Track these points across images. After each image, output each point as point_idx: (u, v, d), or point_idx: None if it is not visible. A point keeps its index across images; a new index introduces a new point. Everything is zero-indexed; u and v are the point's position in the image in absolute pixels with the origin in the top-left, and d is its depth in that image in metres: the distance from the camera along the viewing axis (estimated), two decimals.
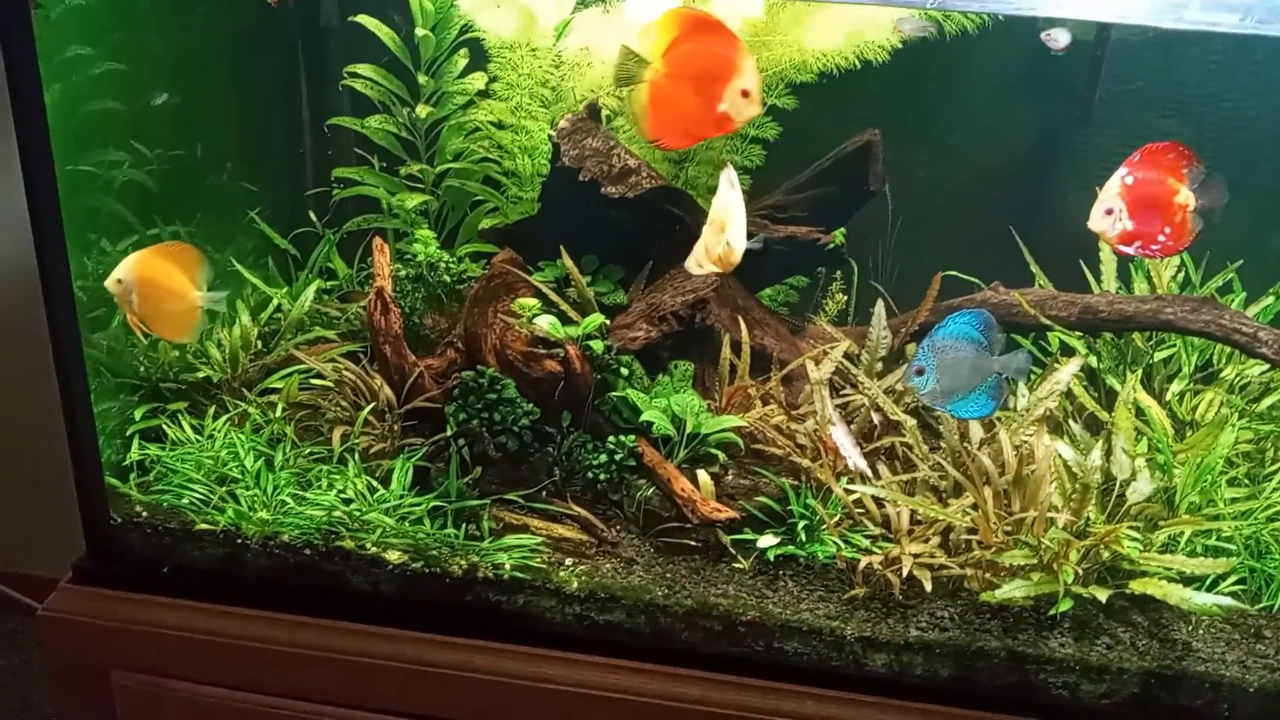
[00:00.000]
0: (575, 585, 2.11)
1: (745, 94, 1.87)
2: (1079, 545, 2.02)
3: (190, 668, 2.19)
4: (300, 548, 2.18)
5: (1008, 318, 2.44)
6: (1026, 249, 2.58)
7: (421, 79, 2.73)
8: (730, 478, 2.30)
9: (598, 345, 2.29)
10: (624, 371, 2.33)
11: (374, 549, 2.16)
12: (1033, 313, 2.43)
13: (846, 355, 2.40)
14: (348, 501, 2.19)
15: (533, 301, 2.40)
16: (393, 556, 2.16)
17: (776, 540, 2.14)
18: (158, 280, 2.16)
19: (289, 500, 2.20)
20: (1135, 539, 2.08)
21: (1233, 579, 2.09)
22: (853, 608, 2.07)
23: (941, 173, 2.76)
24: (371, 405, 2.32)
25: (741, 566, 2.15)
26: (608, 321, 2.39)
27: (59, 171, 2.04)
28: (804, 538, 2.15)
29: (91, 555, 2.26)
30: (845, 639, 2.03)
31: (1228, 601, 1.98)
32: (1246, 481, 2.28)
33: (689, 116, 1.91)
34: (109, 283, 2.13)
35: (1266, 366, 2.39)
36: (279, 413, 2.38)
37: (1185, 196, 2.00)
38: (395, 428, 2.31)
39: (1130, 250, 2.03)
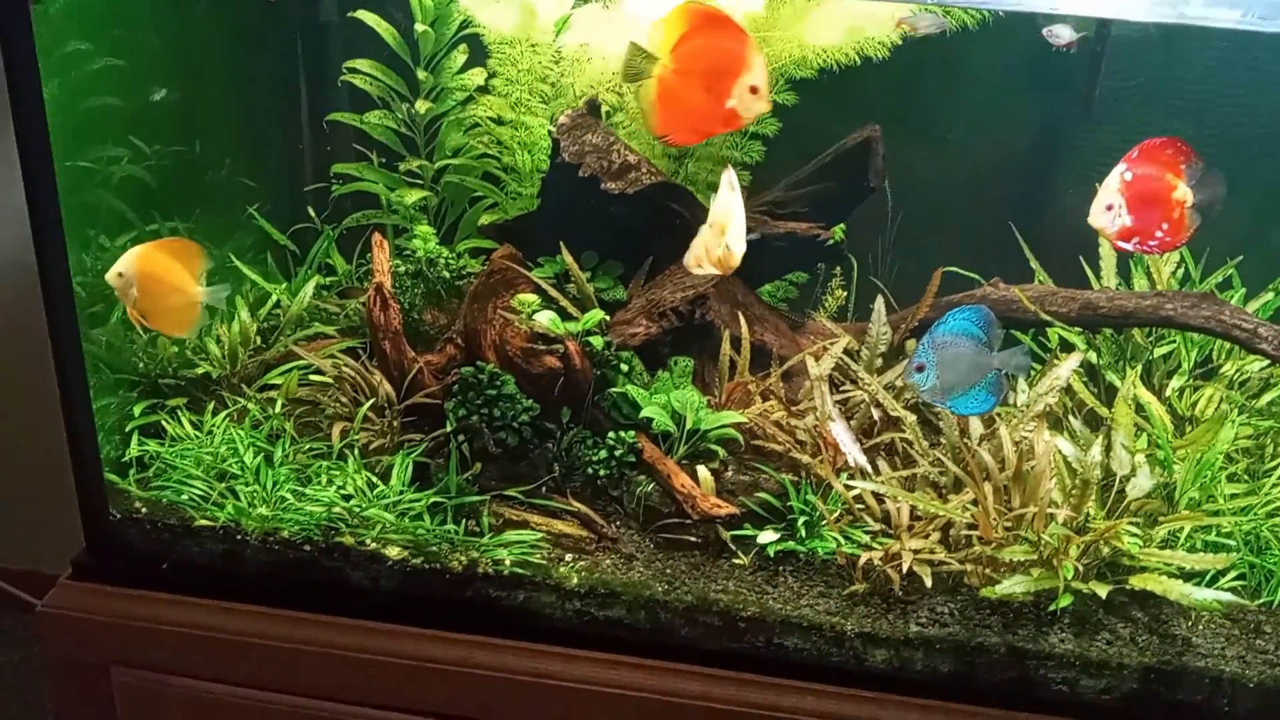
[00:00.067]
0: (575, 581, 2.11)
1: (754, 90, 1.86)
2: (1079, 541, 2.02)
3: (190, 664, 2.19)
4: (300, 544, 2.18)
5: (1008, 314, 2.44)
6: (1026, 245, 2.58)
7: (421, 74, 2.73)
8: (730, 473, 2.30)
9: (597, 341, 2.29)
10: (624, 367, 2.32)
11: (374, 545, 2.16)
12: (1033, 309, 2.43)
13: (846, 351, 2.40)
14: (347, 497, 2.19)
15: (532, 297, 2.40)
16: (392, 552, 2.16)
17: (776, 536, 2.15)
18: (159, 275, 2.15)
19: (288, 496, 2.20)
20: (1135, 534, 2.08)
21: (1232, 574, 2.09)
22: (853, 603, 2.07)
23: (941, 169, 2.76)
24: (371, 401, 2.32)
25: (741, 562, 2.15)
26: (607, 317, 2.39)
27: (58, 167, 2.03)
28: (804, 533, 2.15)
29: (91, 551, 2.26)
30: (845, 635, 2.03)
31: (1227, 597, 1.98)
32: (1246, 477, 2.28)
33: (697, 112, 1.90)
34: (110, 276, 2.12)
35: (1266, 362, 2.39)
36: (278, 409, 2.38)
37: (1183, 192, 2.00)
38: (395, 423, 2.31)
39: (1128, 246, 2.04)
